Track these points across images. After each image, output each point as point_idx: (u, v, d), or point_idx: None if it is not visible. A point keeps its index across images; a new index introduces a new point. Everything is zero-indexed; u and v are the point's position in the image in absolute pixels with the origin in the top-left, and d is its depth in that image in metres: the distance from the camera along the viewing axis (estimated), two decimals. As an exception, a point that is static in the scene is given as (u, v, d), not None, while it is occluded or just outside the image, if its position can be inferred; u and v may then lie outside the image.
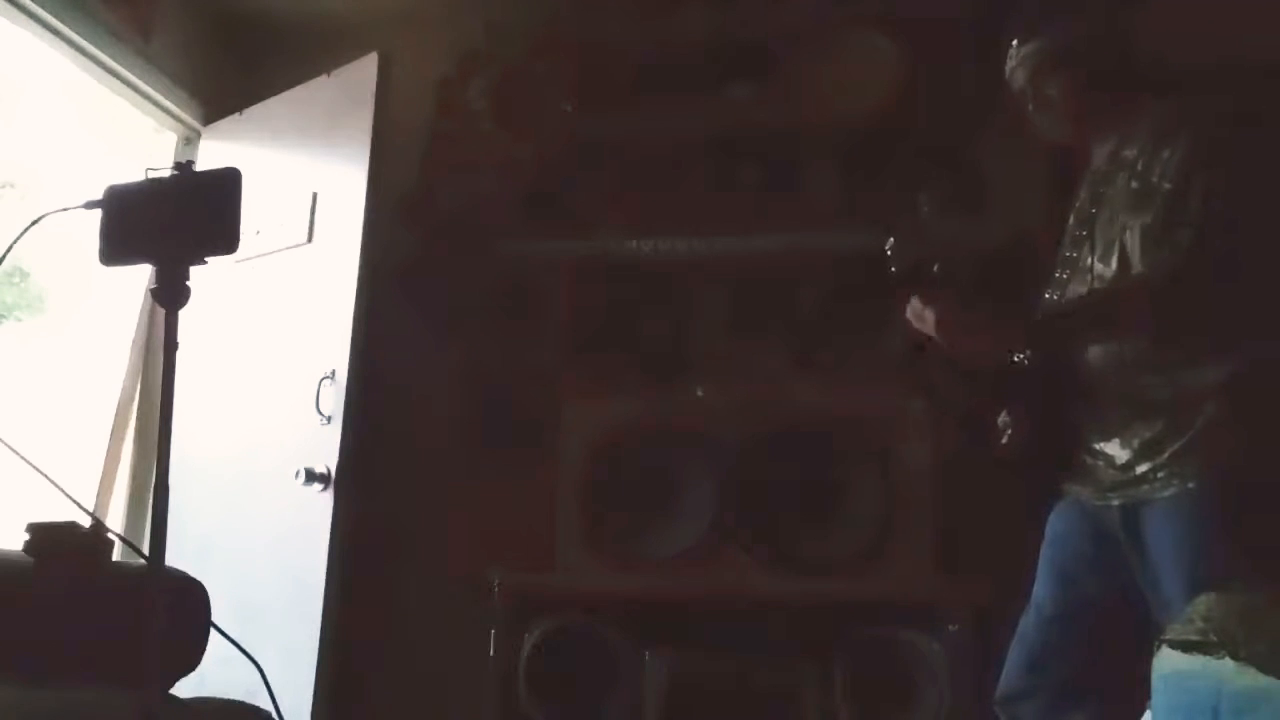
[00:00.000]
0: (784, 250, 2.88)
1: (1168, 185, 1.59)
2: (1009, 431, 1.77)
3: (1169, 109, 1.70)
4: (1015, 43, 1.82)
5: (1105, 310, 1.70)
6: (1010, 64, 1.83)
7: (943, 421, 2.56)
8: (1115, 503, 1.67)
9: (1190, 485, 1.57)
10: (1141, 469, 1.63)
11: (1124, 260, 1.65)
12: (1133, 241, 1.63)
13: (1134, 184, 1.64)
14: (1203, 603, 1.24)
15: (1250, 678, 1.09)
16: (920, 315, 1.72)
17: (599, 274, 3.00)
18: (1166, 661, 1.23)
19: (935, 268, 1.73)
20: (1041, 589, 1.80)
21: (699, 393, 2.81)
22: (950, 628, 2.38)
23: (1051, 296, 1.80)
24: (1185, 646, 1.19)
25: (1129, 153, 1.69)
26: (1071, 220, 1.82)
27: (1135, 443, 1.64)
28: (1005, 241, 2.60)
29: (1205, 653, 1.15)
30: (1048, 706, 1.74)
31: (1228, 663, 1.12)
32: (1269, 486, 1.55)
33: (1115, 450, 1.67)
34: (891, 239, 1.76)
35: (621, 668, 2.53)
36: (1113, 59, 1.78)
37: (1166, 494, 1.59)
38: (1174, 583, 1.55)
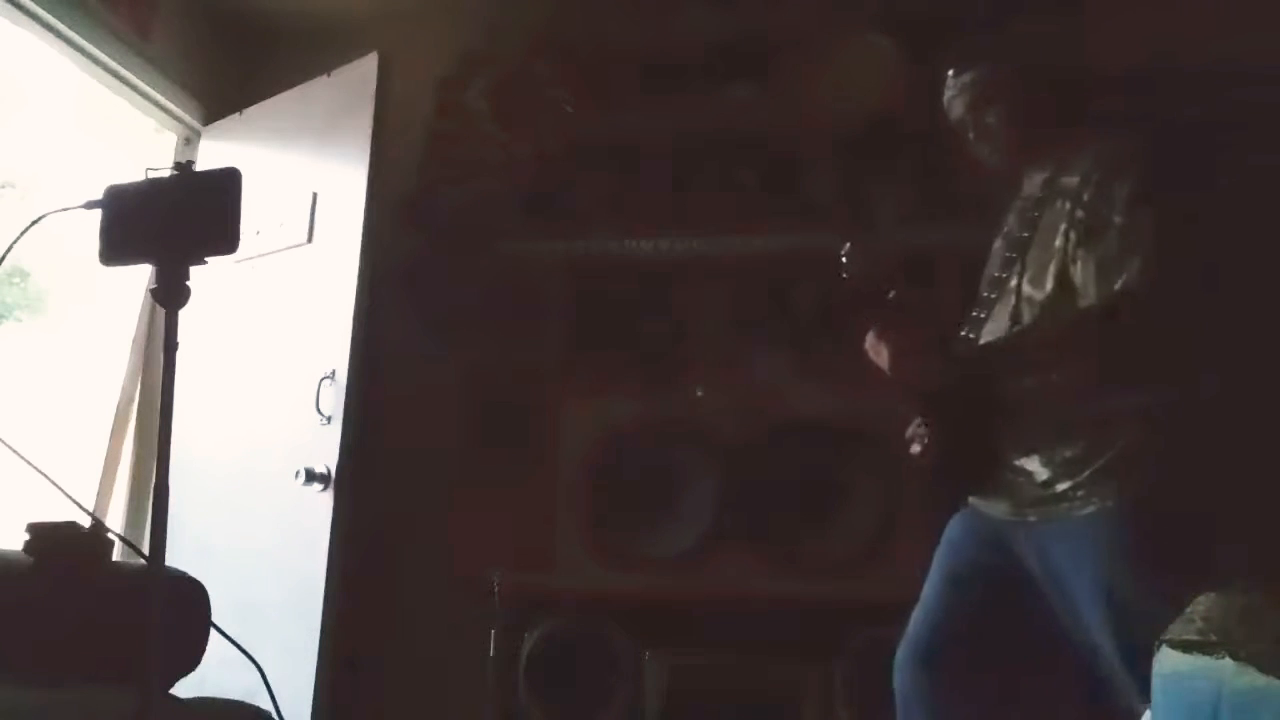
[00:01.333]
0: (784, 250, 2.88)
1: (1119, 219, 1.61)
2: (922, 441, 1.78)
3: (1120, 143, 1.72)
4: (951, 73, 1.85)
5: (1053, 341, 1.70)
6: (948, 94, 1.85)
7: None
8: (1031, 518, 1.69)
9: (1108, 504, 1.60)
10: (1062, 487, 1.65)
11: (1064, 287, 1.67)
12: (1085, 272, 1.65)
13: (1079, 213, 1.66)
14: (1203, 603, 1.24)
15: (1250, 678, 1.09)
16: (872, 346, 1.76)
17: (599, 274, 3.00)
18: (1166, 661, 1.22)
19: (891, 295, 1.74)
20: (929, 588, 1.85)
21: (699, 393, 2.82)
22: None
23: (978, 315, 1.81)
24: (1185, 646, 1.19)
25: (1068, 180, 1.70)
26: (998, 243, 1.85)
27: (1056, 461, 1.66)
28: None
29: (1205, 653, 1.15)
30: (932, 705, 1.77)
31: (1228, 663, 1.12)
32: (1184, 508, 1.58)
33: (1035, 467, 1.69)
34: (847, 245, 1.78)
35: (621, 668, 2.53)
36: (1050, 88, 1.80)
37: (1085, 512, 1.62)
38: (1086, 597, 1.58)
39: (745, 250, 2.92)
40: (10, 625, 1.43)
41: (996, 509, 1.76)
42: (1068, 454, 1.64)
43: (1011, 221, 1.83)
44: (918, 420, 1.79)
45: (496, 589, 2.61)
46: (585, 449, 2.74)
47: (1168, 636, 1.24)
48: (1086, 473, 1.62)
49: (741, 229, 2.92)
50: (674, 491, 2.71)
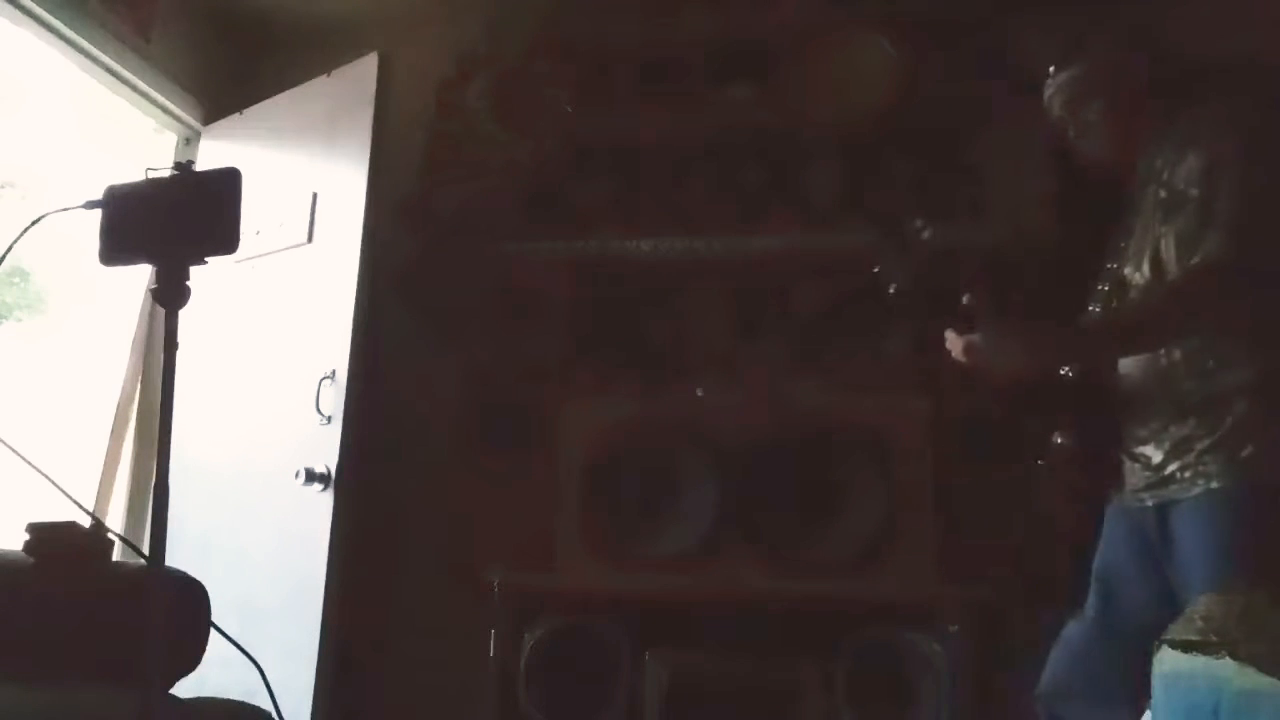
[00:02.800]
0: (784, 250, 2.88)
1: (1194, 191, 1.61)
2: (1059, 442, 1.80)
3: (1191, 116, 1.71)
4: (1051, 70, 1.84)
5: (1140, 321, 1.72)
6: (1048, 92, 1.85)
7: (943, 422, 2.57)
8: (1149, 502, 1.69)
9: (1214, 485, 1.58)
10: (1171, 468, 1.64)
11: (1157, 268, 1.67)
12: (1168, 250, 1.65)
13: (1162, 193, 1.67)
14: (1203, 603, 1.24)
15: (1250, 678, 1.09)
16: (956, 346, 1.73)
17: (599, 274, 3.00)
18: (1167, 661, 1.23)
19: (965, 299, 1.73)
20: (1091, 592, 1.83)
21: (699, 393, 2.82)
22: (950, 628, 2.38)
23: (1093, 308, 1.83)
24: (1185, 646, 1.19)
25: (1158, 162, 1.71)
26: (1117, 234, 1.84)
27: (1168, 443, 1.66)
28: (1012, 248, 2.62)
29: (1205, 653, 1.15)
30: (1089, 704, 1.77)
31: (1228, 663, 1.12)
32: None
33: (1151, 451, 1.69)
34: (879, 263, 1.78)
35: (621, 668, 2.53)
36: (1146, 75, 1.79)
37: (1193, 493, 1.60)
38: (1201, 580, 1.55)
39: (745, 250, 2.91)
40: (10, 625, 1.43)
41: (1125, 498, 1.76)
42: (1179, 435, 1.64)
43: (1127, 210, 1.82)
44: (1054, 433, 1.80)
45: (496, 589, 2.61)
46: (585, 449, 2.73)
47: (1168, 636, 1.25)
48: (1194, 452, 1.61)
49: (741, 229, 2.92)
50: (674, 492, 2.71)
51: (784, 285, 2.93)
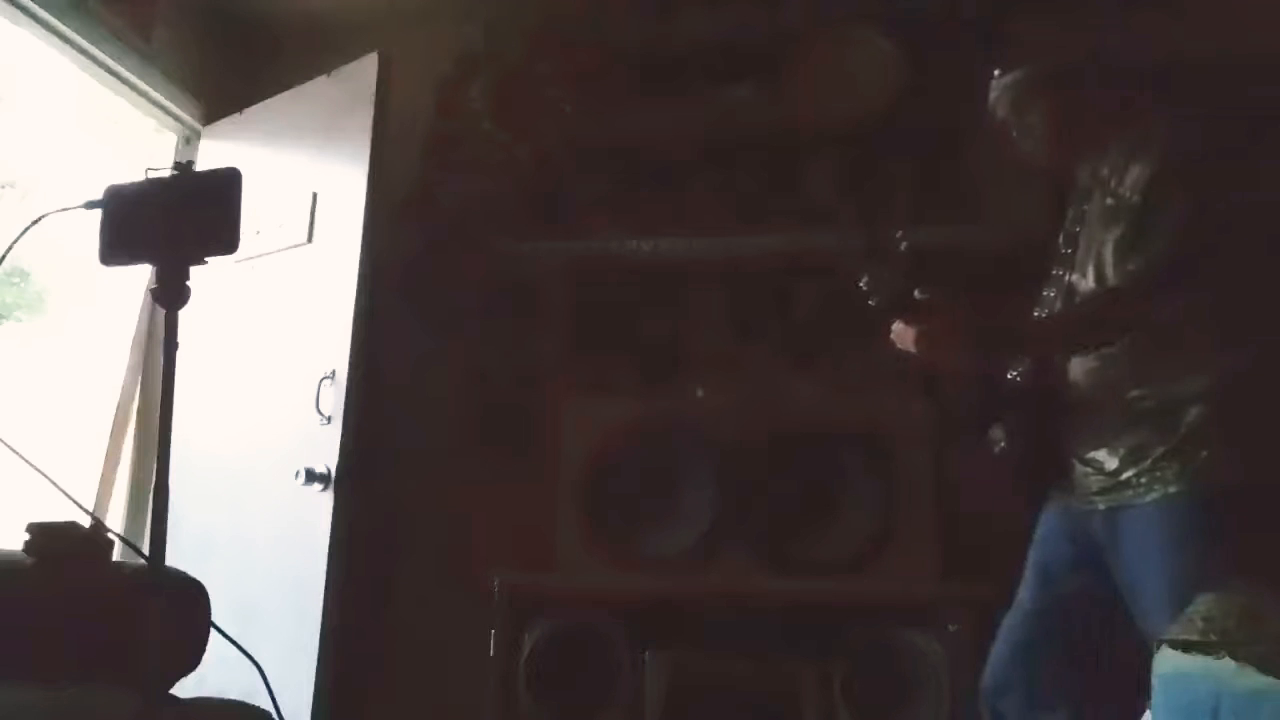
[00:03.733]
0: (784, 250, 2.88)
1: (1136, 199, 1.64)
2: (1002, 444, 1.82)
3: (1138, 125, 1.74)
4: (996, 73, 1.87)
5: (1081, 323, 1.76)
6: (993, 94, 1.88)
7: (943, 421, 2.58)
8: (1100, 506, 1.71)
9: (1172, 490, 1.61)
10: (1127, 474, 1.66)
11: (1100, 274, 1.71)
12: (1107, 255, 1.68)
13: (1108, 200, 1.70)
14: (1203, 603, 1.24)
15: (1250, 678, 1.09)
16: (901, 335, 1.78)
17: (599, 274, 3.00)
18: (1166, 661, 1.23)
19: (916, 293, 1.77)
20: (1025, 587, 1.86)
21: (699, 393, 2.82)
22: (950, 628, 2.38)
23: (1039, 314, 1.85)
24: (1185, 646, 1.19)
25: (1104, 170, 1.74)
26: (1060, 239, 1.87)
27: (1122, 450, 1.68)
28: (994, 250, 2.64)
29: (1205, 653, 1.15)
30: (1026, 701, 1.79)
31: (1228, 663, 1.12)
32: (1249, 493, 1.57)
33: (1104, 458, 1.71)
34: (865, 276, 1.79)
35: (621, 668, 2.53)
36: (1092, 84, 1.82)
37: (1149, 499, 1.63)
38: (1152, 584, 1.59)
39: (745, 250, 2.91)
40: (10, 625, 1.43)
41: (1071, 501, 1.78)
42: (1133, 441, 1.66)
43: (1070, 215, 1.85)
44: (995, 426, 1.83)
45: (496, 589, 2.61)
46: (585, 449, 2.73)
47: (1168, 636, 1.25)
48: (1150, 459, 1.63)
49: (741, 229, 2.92)
50: (674, 492, 2.70)
51: (783, 285, 2.93)
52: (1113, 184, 1.69)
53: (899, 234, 1.81)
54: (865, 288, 1.79)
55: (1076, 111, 1.81)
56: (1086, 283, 1.74)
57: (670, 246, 2.92)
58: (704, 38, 3.05)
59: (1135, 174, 1.65)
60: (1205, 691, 1.13)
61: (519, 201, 3.08)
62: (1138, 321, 1.66)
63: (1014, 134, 1.88)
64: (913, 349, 1.76)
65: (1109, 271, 1.68)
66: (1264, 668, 1.08)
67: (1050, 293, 1.84)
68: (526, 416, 2.92)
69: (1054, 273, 1.84)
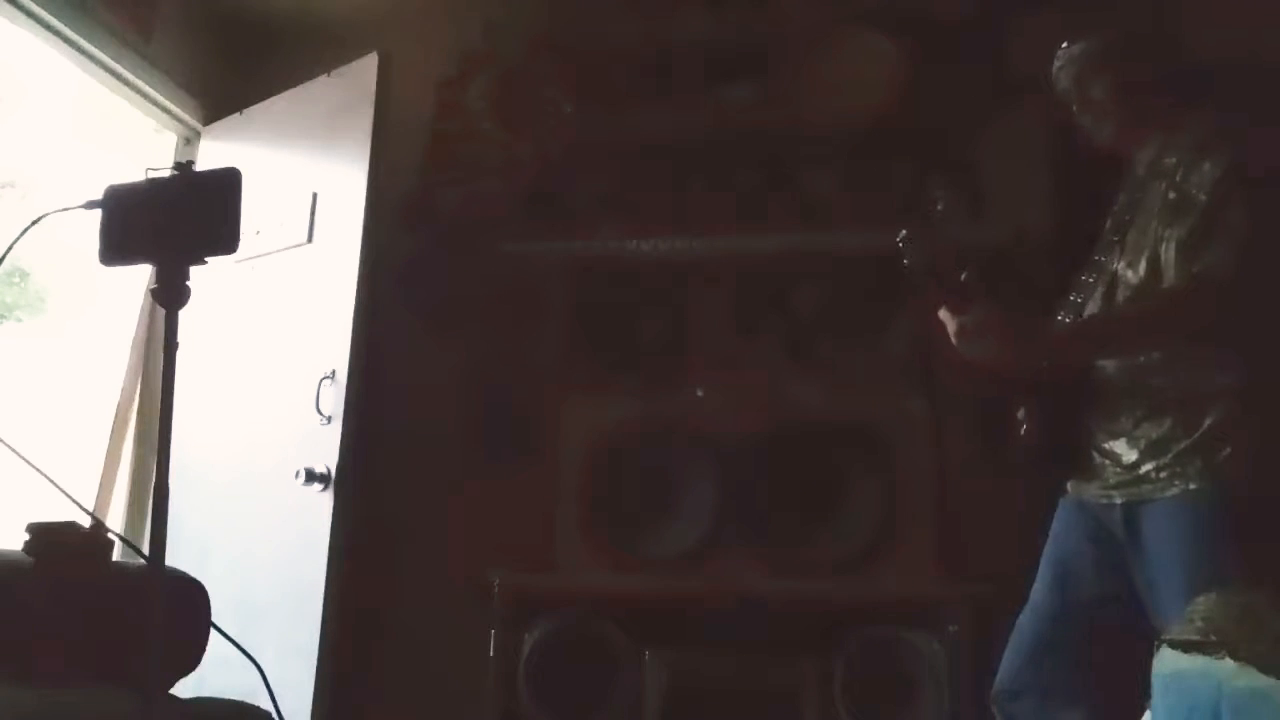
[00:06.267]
0: (784, 250, 2.88)
1: (1204, 198, 1.60)
2: (1024, 427, 1.78)
3: (1205, 119, 1.70)
4: (1064, 45, 1.82)
5: (1136, 324, 1.71)
6: (1056, 65, 1.83)
7: (944, 422, 2.57)
8: (1118, 500, 1.68)
9: (1192, 486, 1.58)
10: (1146, 468, 1.64)
11: (1154, 269, 1.66)
12: (1167, 253, 1.64)
13: (1171, 194, 1.65)
14: (1203, 603, 1.24)
15: (1250, 678, 1.09)
16: (948, 324, 1.72)
17: (599, 274, 3.00)
18: (1167, 661, 1.23)
19: (963, 276, 1.72)
20: (1039, 585, 1.82)
21: (699, 393, 2.82)
22: (950, 628, 2.38)
23: (1075, 299, 1.80)
24: (1185, 646, 1.19)
25: (1169, 160, 1.69)
26: (1108, 224, 1.82)
27: (1142, 442, 1.65)
28: (1011, 245, 2.61)
29: (1205, 653, 1.15)
30: (1041, 704, 1.75)
31: (1228, 663, 1.12)
32: (1270, 490, 1.55)
33: (1123, 449, 1.68)
34: (904, 232, 1.73)
35: (621, 668, 2.53)
36: (1157, 62, 1.78)
37: (1169, 494, 1.61)
38: (1171, 582, 1.56)
39: (745, 250, 2.91)
40: (10, 625, 1.43)
41: (1088, 492, 1.75)
42: (1154, 435, 1.63)
43: (1121, 201, 1.80)
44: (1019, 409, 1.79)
45: (496, 589, 2.61)
46: (585, 449, 2.73)
47: (1168, 636, 1.25)
48: (1171, 454, 1.61)
49: (741, 229, 2.92)
50: (674, 492, 2.71)
51: (783, 285, 2.93)
52: (1178, 178, 1.64)
53: (937, 196, 1.78)
54: (901, 245, 1.73)
55: (1143, 90, 1.76)
56: (1136, 275, 1.69)
57: (670, 246, 2.92)
58: (704, 38, 3.05)
59: (1205, 172, 1.61)
60: (1205, 691, 1.13)
61: (519, 201, 3.08)
62: (1192, 326, 1.62)
63: (1074, 108, 1.83)
64: (954, 340, 1.70)
65: (1168, 270, 1.63)
66: (1264, 668, 1.08)
67: (1090, 278, 1.79)
68: (526, 416, 2.92)
69: (1096, 258, 1.79)
